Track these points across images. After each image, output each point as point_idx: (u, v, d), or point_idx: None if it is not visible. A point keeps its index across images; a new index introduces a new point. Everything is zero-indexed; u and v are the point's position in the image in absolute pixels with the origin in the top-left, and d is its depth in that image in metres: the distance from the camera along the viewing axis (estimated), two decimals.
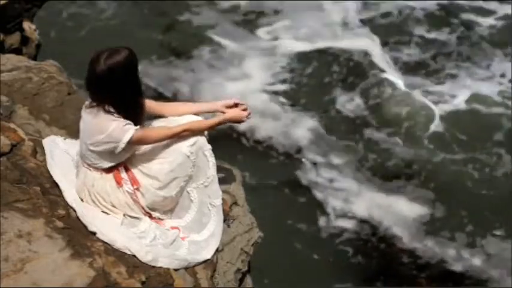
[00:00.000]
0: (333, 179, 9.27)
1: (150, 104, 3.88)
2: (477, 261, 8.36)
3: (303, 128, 10.03)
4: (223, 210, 4.05)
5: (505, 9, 12.38)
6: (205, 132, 3.88)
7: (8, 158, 3.84)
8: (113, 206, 3.73)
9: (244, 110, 4.01)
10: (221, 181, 4.08)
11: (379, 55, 11.40)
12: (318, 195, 9.07)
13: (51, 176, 3.86)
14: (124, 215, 3.74)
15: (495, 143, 9.85)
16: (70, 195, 3.76)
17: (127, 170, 3.74)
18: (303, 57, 11.32)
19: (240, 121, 4.05)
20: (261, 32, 11.86)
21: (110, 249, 3.52)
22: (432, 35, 11.84)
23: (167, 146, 3.75)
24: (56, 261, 3.25)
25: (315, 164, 9.49)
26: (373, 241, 8.57)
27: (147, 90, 9.60)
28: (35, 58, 6.51)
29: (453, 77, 11.07)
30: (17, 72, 4.92)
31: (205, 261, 3.84)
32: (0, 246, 3.22)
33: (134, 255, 3.56)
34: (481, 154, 9.67)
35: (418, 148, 9.79)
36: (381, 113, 10.36)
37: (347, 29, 11.97)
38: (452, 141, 9.92)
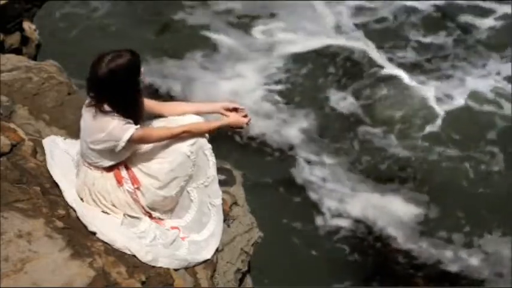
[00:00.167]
0: (329, 179, 9.27)
1: (150, 104, 3.87)
2: (473, 260, 8.35)
3: (297, 128, 10.02)
4: (223, 210, 4.05)
5: (504, 9, 12.38)
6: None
7: (8, 158, 3.83)
8: (113, 205, 3.72)
9: (244, 116, 4.00)
10: (222, 183, 4.08)
11: (373, 56, 11.41)
12: (313, 194, 9.07)
13: (51, 176, 3.84)
14: (124, 214, 3.73)
15: (490, 142, 9.85)
16: (70, 195, 3.75)
17: (127, 169, 3.73)
18: (297, 58, 11.32)
19: (240, 127, 4.04)
20: (256, 32, 11.86)
21: (110, 249, 3.50)
22: (428, 39, 11.85)
23: (167, 145, 3.74)
24: (56, 261, 3.24)
25: (309, 162, 9.49)
26: (371, 241, 8.56)
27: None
28: (35, 58, 6.51)
29: (448, 76, 11.08)
30: (17, 72, 4.92)
31: (205, 261, 3.83)
32: (0, 246, 3.22)
33: (134, 255, 3.55)
34: (476, 153, 9.68)
35: (413, 147, 9.79)
36: (375, 113, 10.36)
37: (341, 31, 11.99)
38: (448, 140, 9.92)
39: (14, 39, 6.30)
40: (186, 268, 3.73)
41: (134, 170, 3.74)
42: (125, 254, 3.54)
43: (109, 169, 3.72)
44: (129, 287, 3.33)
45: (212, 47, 11.47)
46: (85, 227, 3.60)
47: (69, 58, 8.51)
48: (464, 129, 10.09)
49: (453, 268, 8.28)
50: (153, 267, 3.56)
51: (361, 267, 8.28)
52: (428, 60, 11.43)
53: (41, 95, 4.75)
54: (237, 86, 10.69)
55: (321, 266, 8.18)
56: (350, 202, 8.97)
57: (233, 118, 3.98)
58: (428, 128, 10.11)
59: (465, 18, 12.25)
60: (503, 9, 12.40)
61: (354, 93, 10.65)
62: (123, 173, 3.72)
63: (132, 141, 3.60)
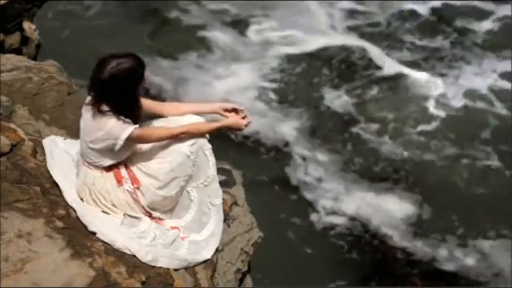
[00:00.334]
0: (325, 178, 9.27)
1: (149, 104, 3.86)
2: (468, 260, 8.36)
3: (291, 126, 10.03)
4: (224, 210, 4.05)
5: (499, 11, 12.38)
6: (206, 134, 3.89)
7: (8, 158, 3.82)
8: (113, 205, 3.71)
9: (244, 117, 3.98)
10: (222, 184, 4.07)
11: (368, 56, 11.42)
12: (309, 194, 9.08)
13: (51, 176, 3.83)
14: (124, 214, 3.73)
15: (485, 142, 9.87)
16: (70, 195, 3.74)
17: (127, 168, 3.72)
18: (291, 58, 11.33)
19: (239, 129, 4.01)
20: (250, 31, 11.87)
21: (110, 249, 3.49)
22: (423, 40, 11.86)
23: (167, 145, 3.73)
24: (56, 261, 3.23)
25: (304, 159, 9.50)
26: (369, 240, 8.57)
27: None
28: (35, 58, 6.50)
29: (443, 76, 11.08)
30: (17, 72, 4.91)
31: (205, 261, 3.81)
32: (0, 246, 3.21)
33: (134, 255, 3.53)
34: (471, 152, 9.69)
35: (408, 146, 9.80)
36: (370, 112, 10.36)
37: (336, 31, 12.00)
38: (442, 139, 9.93)
39: (14, 39, 6.29)
40: (186, 268, 3.72)
41: (134, 169, 3.73)
42: (125, 254, 3.52)
43: (109, 169, 3.71)
44: (129, 287, 3.32)
45: (206, 47, 11.47)
46: (85, 227, 3.58)
47: (69, 58, 8.51)
48: (459, 129, 10.11)
49: (448, 267, 8.29)
50: (153, 267, 3.55)
51: (360, 266, 8.29)
52: (423, 60, 11.44)
53: (41, 95, 4.75)
54: (232, 85, 10.69)
55: (320, 265, 8.18)
56: (346, 201, 8.99)
57: (232, 120, 3.96)
58: (423, 127, 10.12)
59: (461, 20, 12.26)
60: (500, 11, 12.41)
61: (349, 93, 10.66)
62: (123, 172, 3.71)
63: (131, 140, 3.60)
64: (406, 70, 11.15)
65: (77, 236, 3.47)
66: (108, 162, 3.68)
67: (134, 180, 3.71)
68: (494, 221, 8.76)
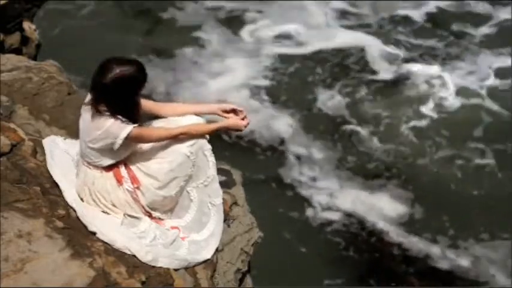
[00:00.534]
0: (319, 177, 9.28)
1: (149, 104, 3.85)
2: (462, 260, 8.35)
3: (286, 125, 10.02)
4: (224, 210, 4.04)
5: (494, 14, 12.40)
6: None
7: (8, 158, 3.81)
8: (113, 205, 3.70)
9: (243, 118, 3.96)
10: (222, 184, 4.06)
11: (361, 55, 11.43)
12: (305, 192, 9.09)
13: (51, 176, 3.81)
14: (124, 214, 3.72)
15: (479, 140, 9.87)
16: (70, 195, 3.73)
17: (127, 168, 3.71)
18: (285, 57, 11.32)
19: (238, 130, 3.99)
20: (244, 31, 11.87)
21: (110, 249, 3.47)
22: (418, 40, 11.87)
23: (167, 145, 3.71)
24: (56, 261, 3.22)
25: (299, 158, 9.50)
26: (366, 238, 8.58)
27: None
28: (35, 58, 6.49)
29: (437, 75, 11.08)
30: (17, 72, 4.91)
31: (205, 261, 3.79)
32: (0, 246, 3.20)
33: (134, 255, 3.52)
34: (464, 151, 9.70)
35: (401, 145, 9.79)
36: (363, 111, 10.36)
37: (330, 30, 12.00)
38: (436, 138, 9.93)
39: (14, 39, 6.29)
40: (186, 268, 3.70)
41: (134, 169, 3.72)
42: (125, 254, 3.51)
43: (108, 168, 3.69)
44: (129, 287, 3.31)
45: (200, 45, 11.47)
46: (85, 227, 3.57)
47: (69, 58, 8.51)
48: (453, 127, 10.11)
49: (442, 265, 8.28)
50: (153, 267, 3.53)
51: (357, 263, 8.28)
52: (417, 59, 11.45)
53: (41, 95, 4.74)
54: (226, 83, 10.69)
55: (318, 264, 8.18)
56: (340, 198, 9.01)
57: (232, 120, 3.95)
58: (416, 126, 10.13)
59: (457, 23, 12.26)
60: (495, 13, 12.42)
61: (343, 92, 10.67)
62: (123, 172, 3.70)
63: (130, 139, 3.58)
64: (400, 69, 11.17)
65: (77, 236, 3.45)
66: (107, 161, 3.67)
67: (134, 180, 3.70)
68: (487, 219, 8.77)
